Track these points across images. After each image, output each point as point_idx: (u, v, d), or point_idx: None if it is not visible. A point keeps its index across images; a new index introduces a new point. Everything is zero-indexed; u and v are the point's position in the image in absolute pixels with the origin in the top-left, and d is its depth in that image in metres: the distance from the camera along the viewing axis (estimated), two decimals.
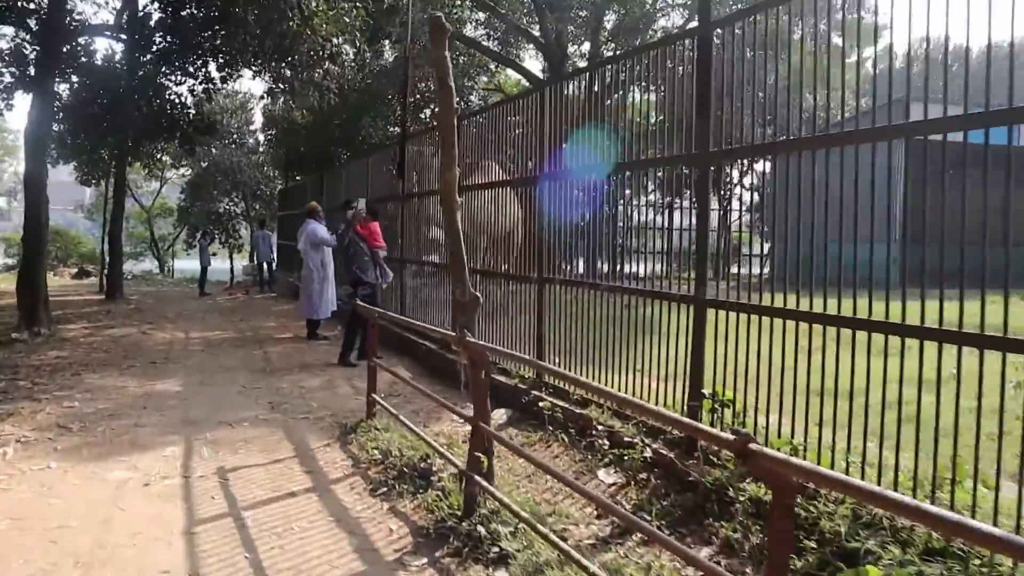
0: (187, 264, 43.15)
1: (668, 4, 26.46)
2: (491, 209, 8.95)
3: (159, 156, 25.69)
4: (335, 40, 12.42)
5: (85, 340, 11.55)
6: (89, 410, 7.14)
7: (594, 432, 5.48)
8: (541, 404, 6.19)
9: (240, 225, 38.89)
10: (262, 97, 21.94)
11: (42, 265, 12.47)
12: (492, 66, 27.27)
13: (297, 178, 24.02)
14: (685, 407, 4.97)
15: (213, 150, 35.86)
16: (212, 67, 19.57)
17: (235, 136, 38.41)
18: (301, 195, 20.46)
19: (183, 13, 17.21)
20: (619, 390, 5.68)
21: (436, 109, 24.66)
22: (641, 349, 5.53)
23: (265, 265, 21.38)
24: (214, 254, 24.54)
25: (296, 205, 21.26)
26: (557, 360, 6.83)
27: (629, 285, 5.88)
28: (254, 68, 18.11)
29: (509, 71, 29.16)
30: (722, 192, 15.93)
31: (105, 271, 21.07)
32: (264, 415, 7.12)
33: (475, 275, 9.12)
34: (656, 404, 5.17)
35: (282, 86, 17.47)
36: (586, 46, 27.01)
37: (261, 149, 39.02)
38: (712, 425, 4.82)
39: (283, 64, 16.20)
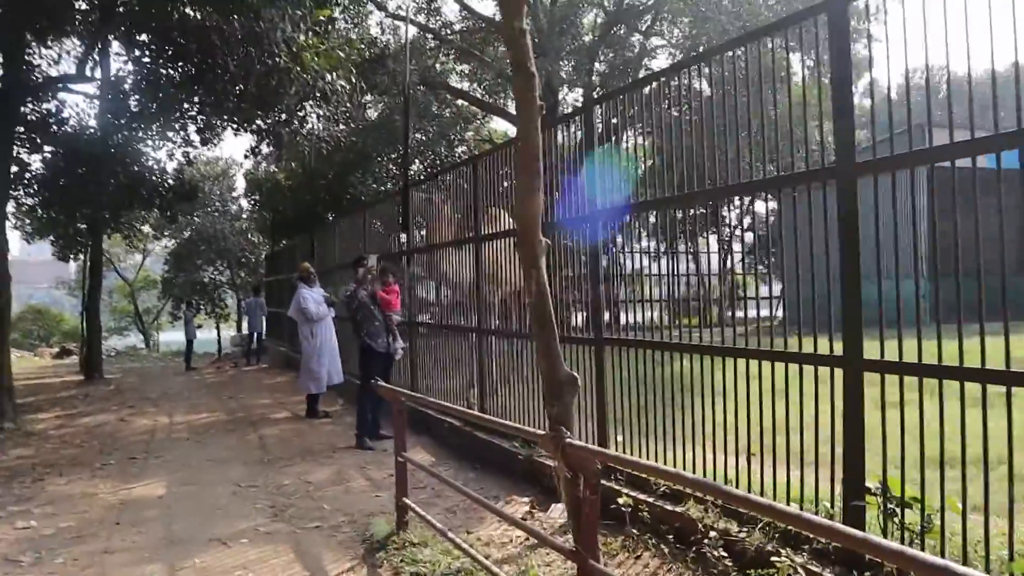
0: (173, 336, 41.59)
1: (657, 46, 25.79)
2: (505, 259, 7.77)
3: (139, 226, 24.37)
4: (328, 77, 11.31)
5: (55, 433, 10.10)
6: (49, 531, 5.71)
7: (703, 539, 4.16)
8: (619, 500, 4.85)
9: (226, 294, 37.60)
10: (246, 156, 20.71)
11: (5, 350, 11.07)
12: (480, 116, 26.35)
13: (283, 243, 22.79)
14: (840, 505, 3.69)
15: (196, 218, 34.69)
16: (192, 129, 18.53)
17: (217, 203, 37.30)
18: (289, 258, 19.19)
19: (160, 72, 16.18)
20: (725, 479, 4.39)
21: (430, 159, 23.82)
22: (749, 424, 4.23)
23: (254, 335, 19.96)
24: (199, 326, 23.13)
25: (284, 269, 19.99)
26: (622, 438, 5.52)
27: (735, 344, 4.56)
28: (235, 122, 16.99)
29: (495, 122, 28.31)
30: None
31: (84, 350, 19.61)
32: (266, 525, 5.73)
33: (500, 337, 7.86)
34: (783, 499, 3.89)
35: (268, 138, 16.25)
36: (571, 93, 26.28)
37: (244, 216, 37.93)
38: (887, 534, 3.53)
39: (270, 111, 15.05)
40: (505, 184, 7.99)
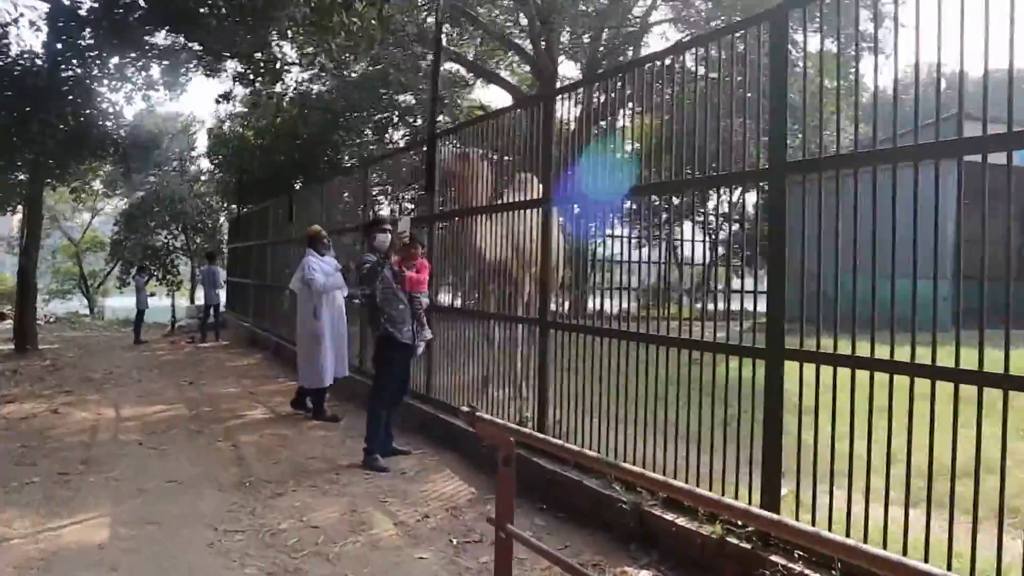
0: (120, 303, 38.53)
1: (663, 19, 23.85)
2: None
3: (89, 180, 21.72)
4: None
5: None
6: None
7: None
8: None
9: (179, 260, 34.88)
10: (218, 100, 18.19)
11: None
12: (479, 84, 24.14)
13: (249, 207, 20.37)
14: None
15: (151, 178, 31.85)
16: (156, 70, 16.06)
17: (176, 163, 34.44)
18: (260, 223, 16.87)
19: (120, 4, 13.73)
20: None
21: (423, 122, 21.53)
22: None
23: (211, 308, 17.58)
24: (152, 294, 20.63)
25: (252, 235, 17.66)
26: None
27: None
28: (207, 64, 14.62)
29: (491, 92, 26.11)
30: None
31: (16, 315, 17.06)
32: None
33: (571, 331, 5.82)
34: None
35: (253, 78, 13.91)
36: (567, 65, 24.23)
37: (204, 178, 35.20)
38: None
39: (255, 46, 12.77)
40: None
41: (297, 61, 13.56)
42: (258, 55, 13.68)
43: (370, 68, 19.82)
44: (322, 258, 8.30)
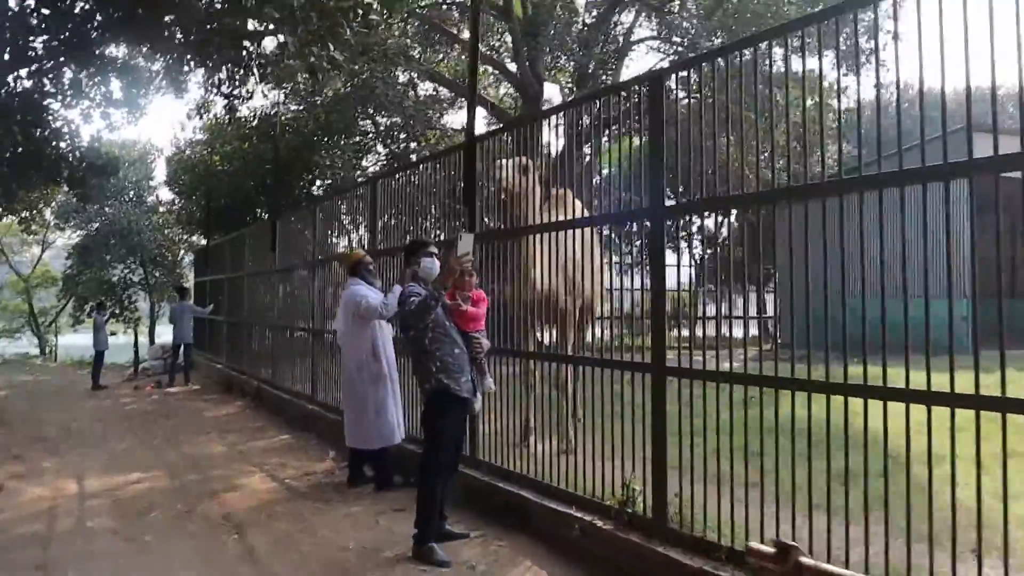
0: (73, 341, 36.09)
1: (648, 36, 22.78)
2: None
3: (40, 208, 19.76)
4: None
5: None
6: None
7: None
8: None
9: (137, 296, 32.74)
10: (189, 117, 16.56)
11: None
12: (449, 104, 22.69)
13: (217, 237, 18.55)
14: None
15: (107, 208, 29.76)
16: (115, 86, 14.34)
17: (133, 192, 32.34)
18: (234, 253, 15.18)
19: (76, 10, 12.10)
20: None
21: (399, 147, 19.99)
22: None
23: (181, 348, 15.71)
24: (113, 333, 18.66)
25: (224, 268, 15.93)
26: None
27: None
28: (173, 78, 12.96)
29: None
30: None
31: None
32: None
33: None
34: None
35: (235, 73, 12.29)
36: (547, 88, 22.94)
37: (163, 208, 33.17)
38: None
39: (230, 58, 11.21)
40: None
41: (281, 58, 11.96)
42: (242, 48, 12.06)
43: (348, 86, 18.31)
44: (371, 287, 6.74)
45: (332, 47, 11.70)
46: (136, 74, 13.96)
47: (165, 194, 33.05)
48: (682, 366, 4.41)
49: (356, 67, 15.95)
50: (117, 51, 13.46)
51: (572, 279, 6.13)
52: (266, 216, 18.06)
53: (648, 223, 4.74)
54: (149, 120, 74.88)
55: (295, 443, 8.93)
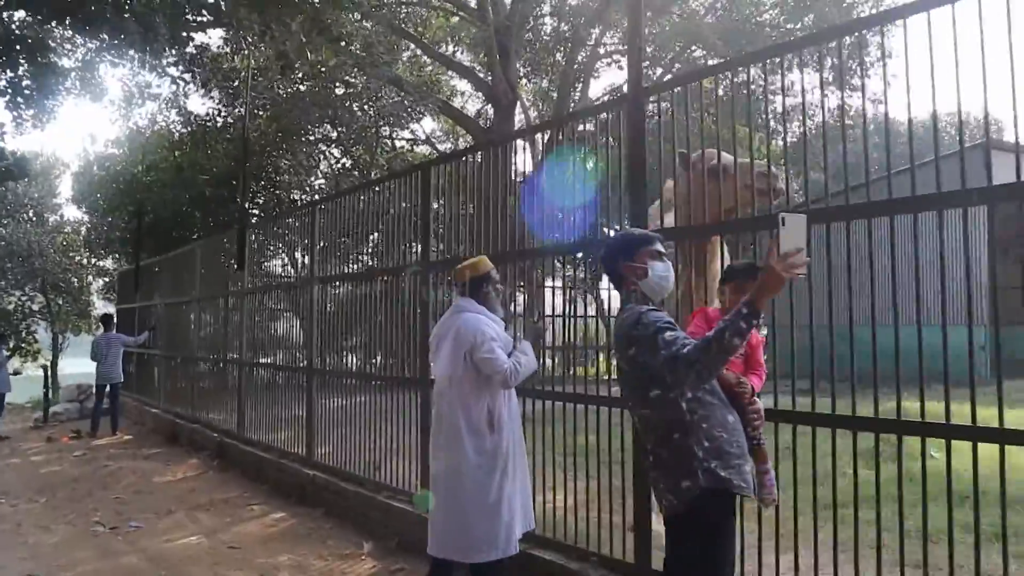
0: None
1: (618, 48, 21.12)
2: None
3: None
4: None
5: None
6: None
7: None
8: None
9: (37, 326, 28.85)
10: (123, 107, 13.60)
11: None
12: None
13: (142, 258, 15.49)
14: None
15: (2, 227, 25.96)
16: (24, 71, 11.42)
17: (33, 210, 28.51)
18: (177, 274, 12.38)
19: None
20: None
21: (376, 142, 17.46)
22: None
23: (106, 388, 12.66)
24: (17, 372, 15.27)
25: (162, 292, 13.12)
26: None
27: None
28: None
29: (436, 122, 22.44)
30: None
31: None
32: None
33: None
34: None
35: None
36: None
37: (68, 229, 29.48)
38: None
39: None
40: None
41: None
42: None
43: (304, 83, 15.75)
44: (492, 315, 4.37)
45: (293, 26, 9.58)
46: (48, 58, 11.16)
47: (72, 212, 29.55)
48: None
49: (321, 57, 13.50)
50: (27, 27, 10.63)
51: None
52: (195, 237, 15.29)
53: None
54: (54, 130, 68.78)
55: (301, 527, 6.39)
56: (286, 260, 10.69)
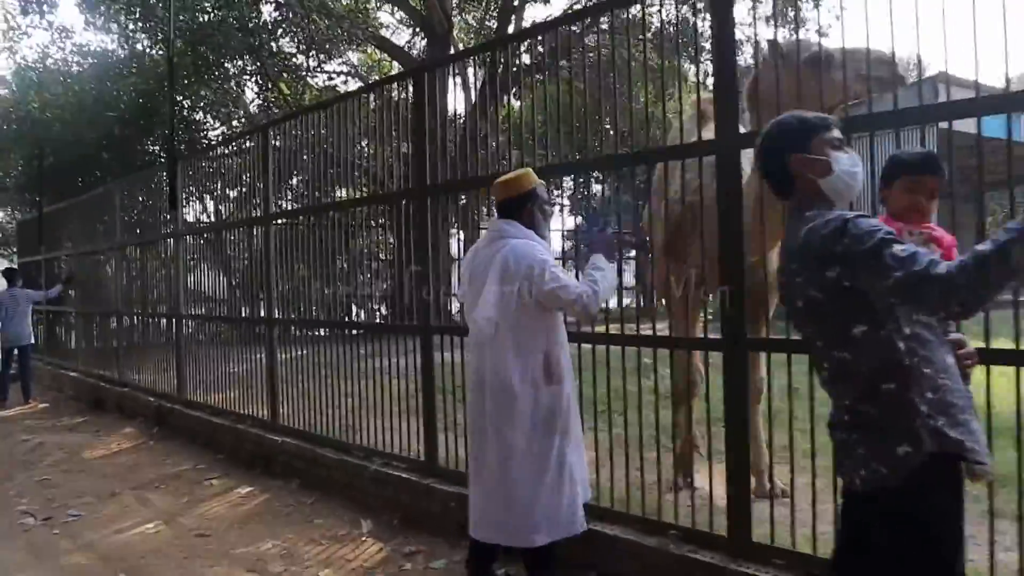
0: None
1: None
2: None
3: None
4: None
5: None
6: None
7: None
8: None
9: None
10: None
11: None
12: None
13: (40, 209, 13.70)
14: None
15: None
16: None
17: None
18: (91, 220, 10.89)
19: None
20: None
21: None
22: None
23: (14, 351, 11.13)
24: None
25: (74, 240, 11.62)
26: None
27: None
28: None
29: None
30: None
31: None
32: None
33: None
34: None
35: None
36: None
37: None
38: None
39: None
40: None
41: None
42: None
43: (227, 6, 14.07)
44: (544, 245, 3.45)
45: None
46: None
47: None
48: None
49: None
50: None
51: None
52: (108, 178, 13.67)
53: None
54: None
55: (278, 504, 5.40)
56: (228, 195, 9.33)
